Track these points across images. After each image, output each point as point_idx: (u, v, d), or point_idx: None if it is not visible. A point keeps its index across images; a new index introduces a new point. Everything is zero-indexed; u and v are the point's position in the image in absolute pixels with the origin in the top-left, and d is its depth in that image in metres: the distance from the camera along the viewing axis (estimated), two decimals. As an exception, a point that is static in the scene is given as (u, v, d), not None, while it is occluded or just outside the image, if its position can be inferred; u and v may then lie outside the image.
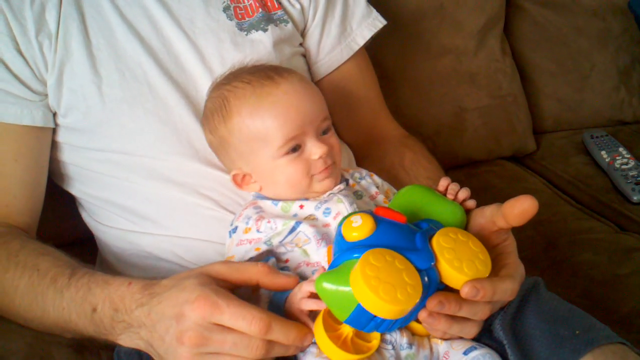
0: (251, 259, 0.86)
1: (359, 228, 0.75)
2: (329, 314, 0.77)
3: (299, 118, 0.88)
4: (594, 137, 1.69)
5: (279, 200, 0.91)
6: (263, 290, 0.82)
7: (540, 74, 1.81)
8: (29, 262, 0.90)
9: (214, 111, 0.93)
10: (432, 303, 0.74)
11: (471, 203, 0.90)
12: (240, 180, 0.93)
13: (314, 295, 0.77)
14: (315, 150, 0.89)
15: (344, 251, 0.75)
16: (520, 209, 0.79)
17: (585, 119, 1.82)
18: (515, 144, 1.73)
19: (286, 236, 0.85)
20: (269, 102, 0.88)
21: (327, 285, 0.73)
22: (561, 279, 1.22)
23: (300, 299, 0.78)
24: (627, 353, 0.82)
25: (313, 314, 0.80)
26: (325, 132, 0.92)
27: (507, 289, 0.79)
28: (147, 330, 0.79)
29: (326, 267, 0.82)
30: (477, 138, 1.67)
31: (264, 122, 0.88)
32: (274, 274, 0.79)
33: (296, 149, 0.89)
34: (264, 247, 0.86)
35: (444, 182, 0.92)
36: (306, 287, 0.78)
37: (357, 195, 0.93)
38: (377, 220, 0.76)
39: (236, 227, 0.90)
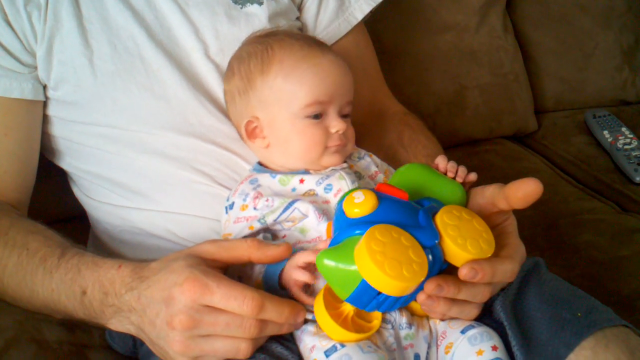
0: (245, 237, 0.84)
1: (361, 204, 0.73)
2: (329, 292, 0.76)
3: (333, 88, 0.89)
4: (596, 116, 1.68)
5: (278, 172, 0.89)
6: (257, 266, 0.81)
7: (543, 52, 1.79)
8: (18, 241, 0.88)
9: (252, 54, 0.92)
10: (431, 286, 0.73)
11: (472, 176, 0.88)
12: (250, 130, 0.92)
13: (309, 267, 0.76)
14: (335, 123, 0.89)
15: (345, 228, 0.73)
16: (524, 191, 0.77)
17: (588, 99, 1.80)
18: (517, 123, 1.71)
19: (280, 214, 0.84)
20: (312, 62, 0.89)
21: (328, 262, 0.71)
22: (562, 259, 1.22)
23: (291, 268, 0.77)
24: (630, 336, 0.81)
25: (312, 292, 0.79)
26: (345, 117, 0.92)
27: (506, 270, 0.77)
28: (138, 315, 0.77)
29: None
30: (477, 116, 1.66)
31: (302, 77, 0.89)
32: (264, 246, 0.78)
33: (317, 116, 0.89)
34: (257, 225, 0.85)
35: (442, 161, 0.90)
36: (301, 257, 0.77)
37: (357, 176, 0.91)
38: (380, 196, 0.74)
39: (233, 203, 0.89)
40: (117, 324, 0.81)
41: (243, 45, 0.96)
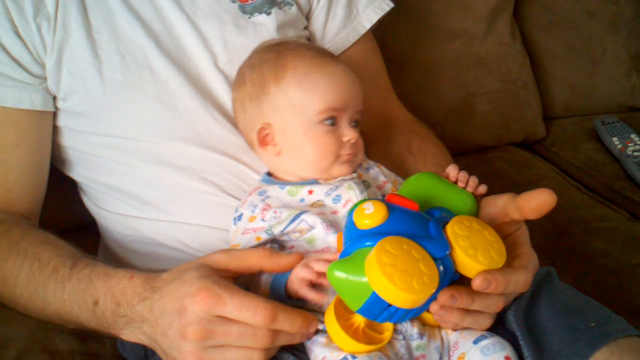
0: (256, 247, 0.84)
1: (372, 215, 0.73)
2: (340, 303, 0.75)
3: (346, 96, 0.90)
4: (605, 123, 1.67)
5: (287, 184, 0.89)
6: (264, 275, 0.81)
7: (551, 58, 1.78)
8: (29, 251, 0.88)
9: (265, 61, 0.92)
10: (444, 296, 0.72)
11: (482, 188, 0.88)
12: (262, 137, 0.91)
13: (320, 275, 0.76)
14: (347, 132, 0.90)
15: (356, 239, 0.73)
16: (538, 202, 0.77)
17: (597, 105, 1.79)
18: (525, 129, 1.71)
19: (288, 225, 0.84)
20: (326, 70, 0.90)
21: (339, 274, 0.71)
22: (573, 268, 1.20)
23: (296, 270, 0.77)
24: (644, 346, 0.80)
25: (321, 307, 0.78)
26: (355, 125, 0.92)
27: (520, 280, 0.77)
28: (150, 325, 0.77)
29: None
30: (486, 123, 1.65)
31: (316, 84, 0.89)
32: (276, 256, 0.78)
33: (332, 123, 0.89)
34: (264, 236, 0.84)
35: (453, 171, 0.90)
36: (313, 265, 0.77)
37: (365, 185, 0.91)
38: (390, 207, 0.74)
39: (241, 215, 0.88)
40: (129, 335, 0.80)
41: (254, 53, 0.96)
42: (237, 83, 0.96)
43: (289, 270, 0.78)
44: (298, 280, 0.77)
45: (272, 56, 0.92)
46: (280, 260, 0.78)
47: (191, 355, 0.73)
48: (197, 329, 0.72)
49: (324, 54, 0.94)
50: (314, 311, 0.79)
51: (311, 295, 0.77)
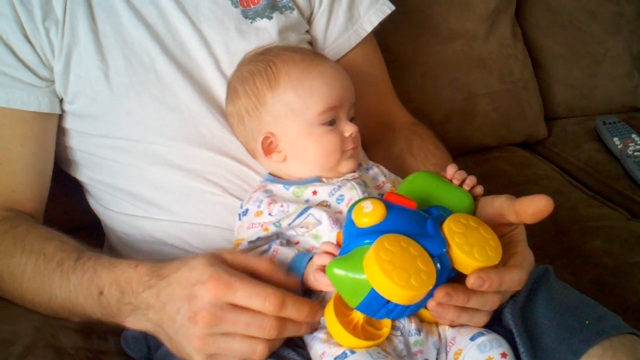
0: (259, 239, 0.86)
1: (370, 214, 0.74)
2: (339, 300, 0.77)
3: (340, 92, 0.92)
4: (606, 123, 1.67)
5: (291, 184, 0.90)
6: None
7: (552, 59, 1.78)
8: (35, 247, 0.90)
9: (255, 73, 0.93)
10: (440, 294, 0.74)
11: (479, 189, 0.89)
12: (266, 146, 0.92)
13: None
14: (348, 127, 0.91)
15: (355, 237, 0.74)
16: (535, 208, 0.78)
17: (598, 105, 1.80)
18: (527, 130, 1.71)
19: (295, 218, 0.85)
20: (318, 70, 0.91)
21: (338, 271, 0.72)
22: (572, 266, 1.21)
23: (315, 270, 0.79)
24: (637, 344, 0.81)
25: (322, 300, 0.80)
26: (351, 120, 0.94)
27: (514, 279, 0.78)
28: (156, 311, 0.79)
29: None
30: (487, 124, 1.65)
31: (312, 86, 0.90)
32: (278, 273, 0.80)
33: (332, 122, 0.90)
34: (272, 229, 0.86)
35: (450, 169, 0.91)
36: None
37: (363, 185, 0.92)
38: (388, 206, 0.75)
39: (247, 210, 0.90)
40: (134, 322, 0.82)
41: (241, 66, 0.96)
42: (230, 97, 0.96)
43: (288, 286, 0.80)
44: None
45: (261, 66, 0.93)
46: (279, 277, 0.79)
47: (197, 340, 0.75)
48: (207, 314, 0.74)
49: (310, 54, 0.95)
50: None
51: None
